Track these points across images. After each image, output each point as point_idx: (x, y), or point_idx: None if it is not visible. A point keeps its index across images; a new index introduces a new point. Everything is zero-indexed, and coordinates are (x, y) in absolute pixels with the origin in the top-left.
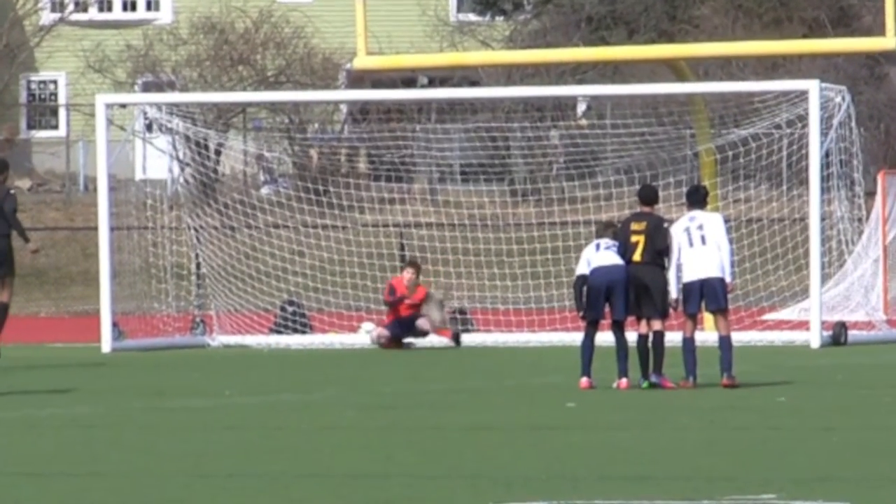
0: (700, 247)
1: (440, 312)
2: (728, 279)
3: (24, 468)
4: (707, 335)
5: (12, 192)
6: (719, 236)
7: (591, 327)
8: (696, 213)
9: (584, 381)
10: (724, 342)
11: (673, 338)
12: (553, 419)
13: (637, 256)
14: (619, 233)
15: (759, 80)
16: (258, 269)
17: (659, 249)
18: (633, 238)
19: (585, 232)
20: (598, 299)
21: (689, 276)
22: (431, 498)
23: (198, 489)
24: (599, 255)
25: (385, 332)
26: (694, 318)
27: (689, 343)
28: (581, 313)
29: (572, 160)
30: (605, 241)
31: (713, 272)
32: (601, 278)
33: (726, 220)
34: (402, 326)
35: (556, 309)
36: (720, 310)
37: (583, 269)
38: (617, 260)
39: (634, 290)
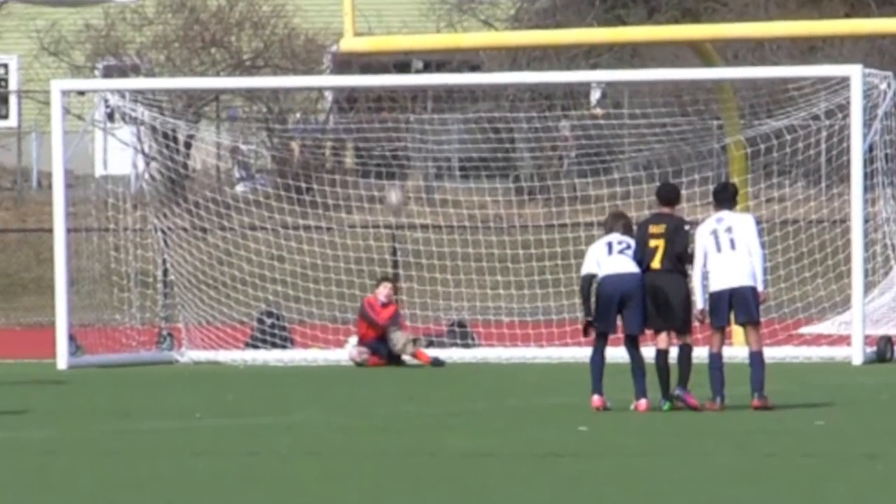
0: (729, 252)
1: (404, 336)
2: (760, 288)
3: None
4: (736, 350)
5: None
6: (750, 240)
7: (601, 339)
8: (725, 213)
9: (595, 399)
10: (756, 358)
11: (699, 353)
12: (562, 445)
13: (656, 263)
14: (636, 236)
15: (795, 65)
16: (233, 276)
17: (679, 254)
18: (652, 242)
19: (599, 234)
20: (609, 311)
21: (717, 284)
22: None
23: None
24: (612, 261)
25: (365, 350)
26: (722, 332)
27: (716, 360)
28: (588, 318)
29: (585, 154)
30: (617, 238)
31: (743, 280)
32: (614, 288)
33: (758, 222)
34: (384, 342)
35: (566, 321)
36: (751, 322)
37: (590, 267)
38: (632, 267)
39: (653, 301)
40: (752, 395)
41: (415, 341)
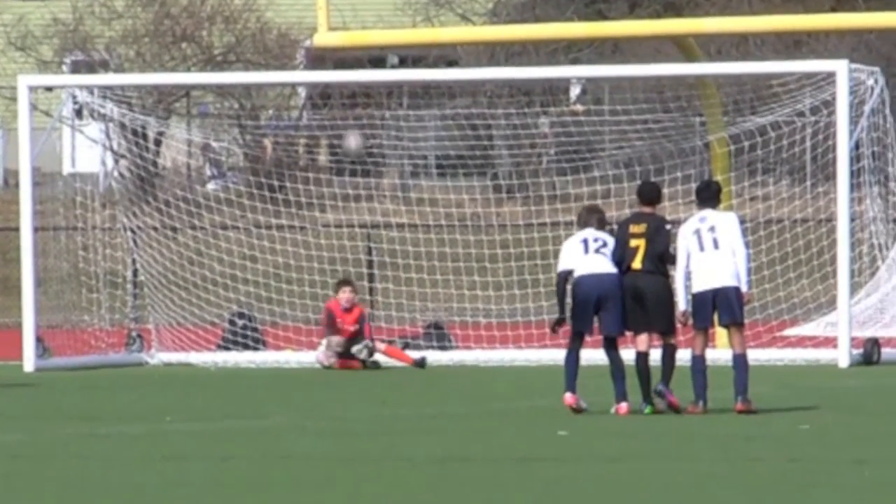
0: (712, 251)
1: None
2: (744, 288)
3: None
4: (720, 353)
5: None
6: (734, 239)
7: (577, 340)
8: (708, 212)
9: (568, 396)
10: (739, 361)
11: (682, 356)
12: (542, 449)
13: (637, 263)
14: (617, 236)
15: (780, 61)
16: (204, 276)
17: (660, 254)
18: (633, 242)
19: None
20: (586, 312)
21: (700, 285)
22: None
23: None
24: (588, 260)
25: (332, 354)
26: (705, 333)
27: (698, 362)
28: (560, 316)
29: (564, 152)
30: (593, 236)
31: (727, 281)
32: (590, 288)
33: (742, 221)
34: (350, 344)
35: (545, 322)
36: (735, 324)
37: (565, 264)
38: (609, 267)
39: (635, 302)
40: (736, 399)
41: (369, 347)
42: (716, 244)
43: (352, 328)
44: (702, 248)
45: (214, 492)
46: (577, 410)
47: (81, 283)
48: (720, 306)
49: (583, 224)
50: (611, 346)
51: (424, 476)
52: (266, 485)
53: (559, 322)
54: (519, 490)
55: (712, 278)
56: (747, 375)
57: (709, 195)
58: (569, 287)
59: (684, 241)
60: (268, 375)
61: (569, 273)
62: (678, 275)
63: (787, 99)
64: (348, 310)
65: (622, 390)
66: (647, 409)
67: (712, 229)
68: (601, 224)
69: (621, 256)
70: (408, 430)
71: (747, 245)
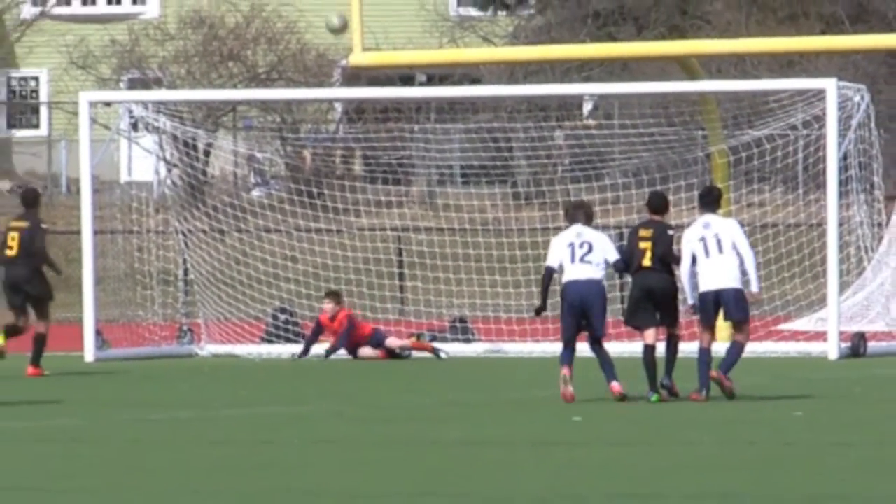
0: (717, 256)
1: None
2: (755, 289)
3: (1, 483)
4: (719, 346)
5: (43, 226)
6: (740, 244)
7: (568, 349)
8: (710, 219)
9: (565, 369)
10: (735, 346)
11: (687, 349)
12: (557, 434)
13: (647, 261)
14: (627, 241)
15: (774, 79)
16: (249, 275)
17: (663, 254)
18: (641, 245)
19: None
20: (573, 317)
21: (705, 286)
22: None
23: None
24: (574, 268)
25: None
26: (711, 330)
27: (704, 354)
28: (541, 305)
29: (578, 162)
30: (580, 239)
31: (729, 283)
32: (576, 293)
33: (741, 226)
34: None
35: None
36: (739, 321)
37: (552, 261)
38: (592, 273)
39: (646, 297)
40: (717, 369)
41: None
42: (720, 249)
43: (340, 332)
44: (707, 254)
45: (257, 472)
46: (567, 381)
47: (137, 281)
48: (725, 305)
49: (571, 219)
50: (597, 343)
51: (450, 458)
52: (304, 466)
53: (539, 311)
54: (536, 470)
55: (716, 281)
56: (737, 358)
57: (710, 200)
58: (555, 288)
59: (689, 245)
60: (306, 366)
61: (554, 270)
62: (683, 274)
63: (781, 114)
64: (333, 318)
65: (612, 374)
66: (654, 398)
67: (716, 236)
68: (588, 218)
69: (629, 257)
70: (434, 417)
71: (752, 247)
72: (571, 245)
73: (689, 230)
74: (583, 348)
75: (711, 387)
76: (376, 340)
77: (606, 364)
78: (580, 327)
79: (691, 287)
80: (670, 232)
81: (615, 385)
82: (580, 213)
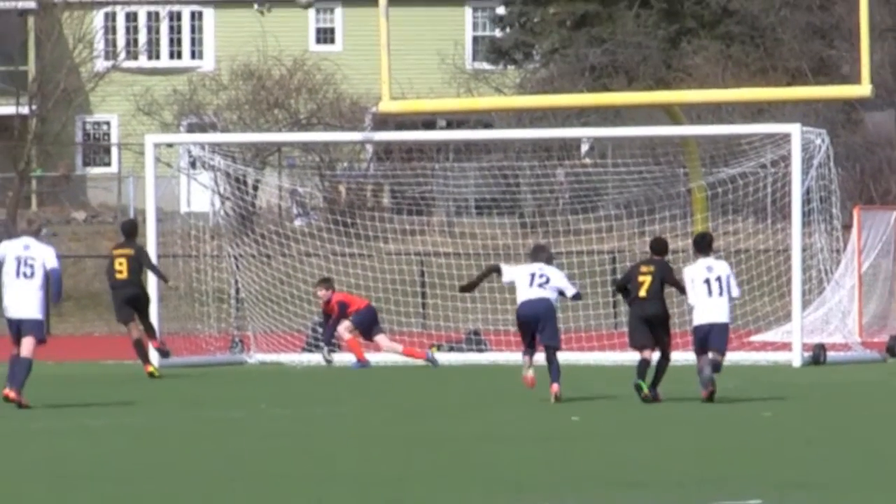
0: (717, 297)
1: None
2: (735, 294)
3: (79, 471)
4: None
5: (145, 250)
6: (732, 285)
7: (529, 349)
8: (711, 262)
9: (530, 372)
10: (714, 361)
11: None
12: (559, 430)
13: (643, 292)
14: (627, 271)
15: (746, 124)
16: (291, 293)
17: (672, 283)
18: (641, 278)
19: (588, 260)
20: (528, 329)
21: (701, 319)
22: (448, 500)
23: (236, 490)
24: (531, 292)
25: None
26: (704, 353)
27: (705, 371)
28: (465, 284)
29: (576, 195)
30: (539, 272)
31: (722, 318)
32: (530, 309)
33: (717, 251)
34: (363, 323)
35: (561, 330)
36: (720, 348)
37: (506, 273)
38: (544, 294)
39: (642, 324)
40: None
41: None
42: (721, 292)
43: (336, 316)
44: (710, 294)
45: (299, 462)
46: (525, 377)
47: (195, 298)
48: (714, 335)
49: (533, 258)
50: (553, 353)
51: (467, 451)
52: (340, 458)
53: (465, 289)
54: (541, 462)
55: (714, 315)
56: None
57: (705, 245)
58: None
59: (692, 284)
60: (342, 372)
61: (498, 271)
62: (691, 301)
63: (752, 154)
64: (327, 302)
65: (556, 377)
66: (641, 383)
67: (718, 279)
68: (548, 260)
69: (624, 284)
70: (452, 416)
71: (739, 285)
72: (532, 274)
73: (693, 269)
74: (580, 357)
75: (687, 395)
76: (364, 319)
77: (554, 369)
78: (534, 336)
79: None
80: (671, 267)
81: (555, 386)
82: (542, 255)
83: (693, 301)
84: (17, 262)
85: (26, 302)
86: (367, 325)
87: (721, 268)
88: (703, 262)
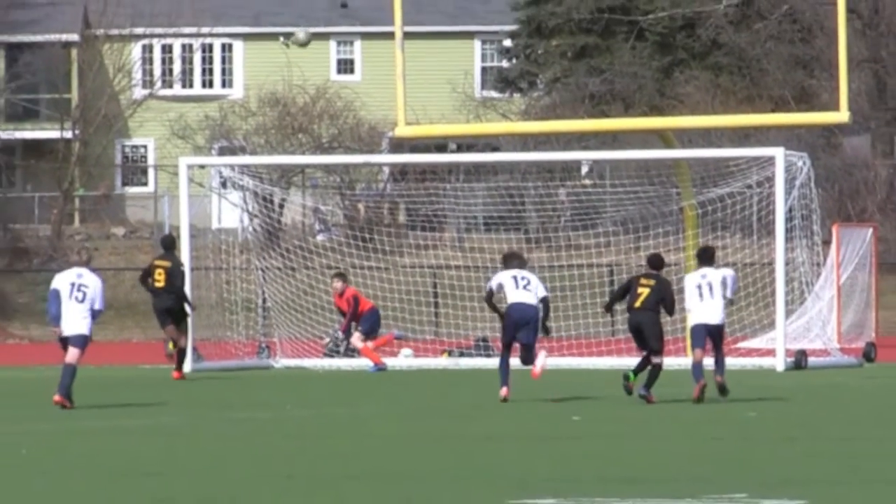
0: (709, 300)
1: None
2: (729, 294)
3: (115, 468)
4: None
5: (182, 267)
6: (720, 289)
7: (506, 350)
8: (707, 270)
9: (504, 390)
10: (720, 358)
11: (672, 362)
12: (560, 430)
13: (638, 304)
14: (625, 282)
15: (734, 147)
16: (314, 303)
17: (663, 298)
18: (640, 290)
19: (588, 273)
20: (512, 328)
21: (697, 320)
22: (456, 495)
23: (262, 488)
24: (518, 294)
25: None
26: (702, 349)
27: (697, 366)
28: (501, 315)
29: (577, 213)
30: (521, 275)
31: (716, 320)
32: (518, 313)
33: (734, 272)
34: (368, 324)
35: (563, 338)
36: (718, 347)
37: (493, 283)
38: (531, 299)
39: (635, 332)
40: (715, 375)
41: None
42: (711, 295)
43: (347, 311)
44: (701, 297)
45: (321, 461)
46: (506, 400)
47: (225, 307)
48: (711, 335)
49: (506, 266)
50: (527, 351)
51: (473, 449)
52: (358, 455)
53: (503, 317)
54: (543, 459)
55: (707, 316)
56: (724, 365)
57: (707, 257)
58: (501, 306)
59: (690, 290)
60: (361, 376)
61: (493, 293)
62: (688, 306)
63: (739, 175)
64: (341, 295)
65: (506, 379)
66: (630, 376)
67: (710, 285)
68: (521, 265)
69: (622, 294)
70: (461, 416)
71: (734, 291)
72: (515, 278)
73: (691, 276)
74: (580, 362)
75: (677, 396)
76: (369, 325)
77: (532, 357)
78: (514, 338)
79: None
80: (670, 286)
81: (504, 390)
82: (514, 261)
83: (688, 305)
84: (71, 286)
85: (76, 323)
86: (374, 328)
87: (714, 276)
88: (701, 271)
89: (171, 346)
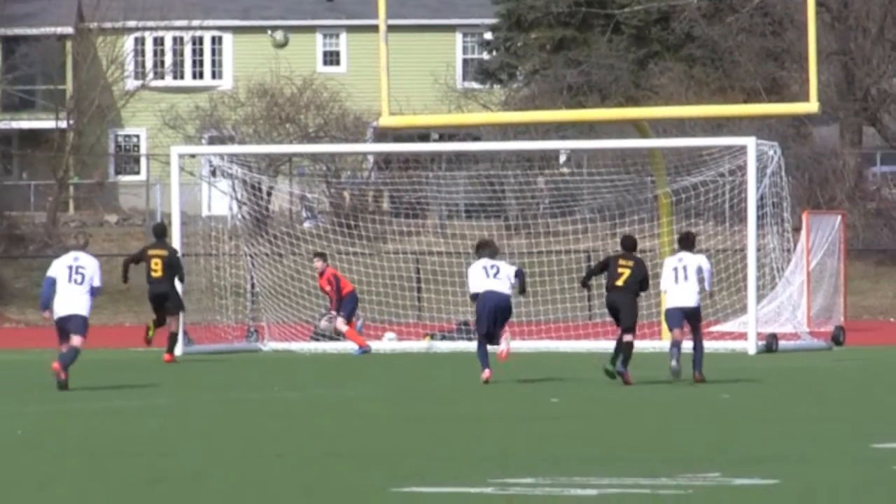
0: (683, 282)
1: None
2: (707, 288)
3: (111, 448)
4: (664, 343)
5: (178, 255)
6: (704, 278)
7: (485, 338)
8: (684, 255)
9: (486, 372)
10: (698, 345)
11: (646, 345)
12: (540, 411)
13: (620, 282)
14: (605, 262)
15: (707, 137)
16: (301, 288)
17: (641, 280)
18: (620, 270)
19: (566, 259)
20: (486, 317)
21: (674, 303)
22: (441, 474)
23: (253, 467)
24: (489, 283)
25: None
26: (679, 331)
27: (676, 344)
28: (476, 324)
29: (555, 201)
30: (490, 263)
31: (690, 302)
32: (490, 301)
33: (708, 258)
34: (348, 306)
35: (542, 322)
36: (695, 327)
37: (474, 287)
38: (502, 288)
39: (611, 310)
40: (693, 372)
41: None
42: (686, 278)
43: (326, 288)
44: (676, 280)
45: (309, 440)
46: (488, 382)
47: (215, 292)
48: (687, 317)
49: (480, 254)
50: (493, 337)
51: (457, 430)
52: (345, 435)
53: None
54: (524, 440)
55: (682, 300)
56: (702, 357)
57: (687, 242)
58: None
59: (667, 271)
60: (347, 359)
61: (477, 296)
62: (663, 284)
63: (712, 164)
64: (321, 274)
65: (485, 363)
66: (609, 366)
67: (685, 268)
68: (493, 253)
69: (599, 270)
70: (444, 398)
71: (710, 276)
72: (485, 268)
73: (670, 260)
74: (557, 345)
75: (652, 379)
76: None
77: (484, 357)
78: (490, 329)
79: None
80: (646, 267)
81: (487, 372)
82: (486, 251)
83: (664, 286)
84: (69, 269)
85: (75, 302)
86: (353, 310)
87: (690, 260)
88: (679, 255)
89: (150, 332)
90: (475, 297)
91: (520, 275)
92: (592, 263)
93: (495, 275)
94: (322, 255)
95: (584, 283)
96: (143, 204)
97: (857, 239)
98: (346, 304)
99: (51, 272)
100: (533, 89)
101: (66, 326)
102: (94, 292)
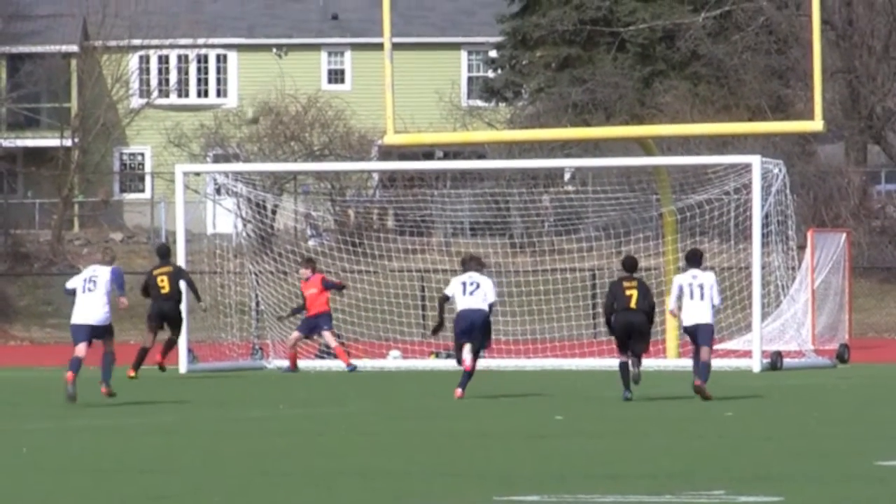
0: (699, 301)
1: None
2: (716, 302)
3: (115, 465)
4: (679, 361)
5: (184, 269)
6: (713, 293)
7: (460, 352)
8: (697, 272)
9: (458, 391)
10: (704, 365)
11: (651, 363)
12: (544, 428)
13: (633, 304)
14: (611, 288)
15: (712, 155)
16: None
17: (647, 299)
18: (628, 292)
19: (571, 277)
20: (463, 334)
21: (688, 321)
22: (445, 492)
23: (257, 485)
24: (466, 299)
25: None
26: (708, 348)
27: (704, 365)
28: (436, 325)
29: (560, 219)
30: (470, 280)
31: (705, 319)
32: (466, 318)
33: (715, 275)
34: (309, 326)
35: (547, 339)
36: (706, 345)
37: (449, 291)
38: (478, 304)
39: (626, 331)
40: (696, 378)
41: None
42: (702, 296)
43: (308, 292)
44: (692, 297)
45: (313, 458)
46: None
47: (219, 310)
48: (699, 334)
49: (465, 268)
50: (476, 354)
51: (461, 446)
52: (349, 453)
53: (436, 329)
54: (528, 457)
55: (699, 317)
56: (709, 372)
57: (695, 259)
58: (450, 314)
59: (678, 289)
60: (351, 376)
61: (447, 298)
62: (671, 303)
63: (717, 182)
64: (308, 279)
65: (465, 382)
66: (629, 395)
67: (700, 286)
68: (479, 267)
69: (611, 303)
70: (448, 415)
71: (720, 292)
72: (464, 283)
73: (681, 277)
74: (563, 363)
75: (659, 397)
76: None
77: (467, 375)
78: (467, 343)
79: (676, 300)
80: (647, 285)
81: (459, 391)
82: (473, 263)
83: (673, 305)
84: (84, 282)
85: (94, 309)
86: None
87: (705, 278)
88: (691, 272)
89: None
90: (444, 300)
91: (490, 308)
92: (597, 282)
93: (472, 292)
94: (311, 262)
95: (608, 322)
96: (148, 222)
97: (861, 256)
98: (323, 320)
99: (69, 285)
100: (538, 107)
101: (89, 334)
102: (121, 285)
